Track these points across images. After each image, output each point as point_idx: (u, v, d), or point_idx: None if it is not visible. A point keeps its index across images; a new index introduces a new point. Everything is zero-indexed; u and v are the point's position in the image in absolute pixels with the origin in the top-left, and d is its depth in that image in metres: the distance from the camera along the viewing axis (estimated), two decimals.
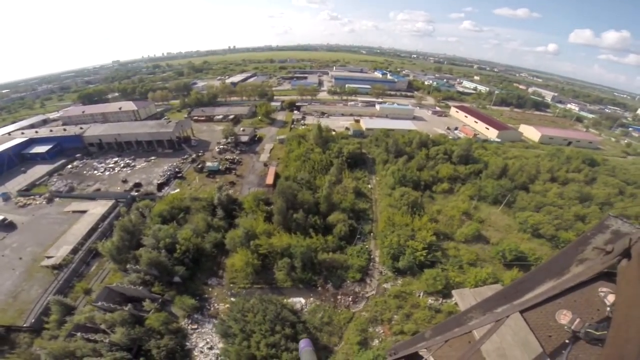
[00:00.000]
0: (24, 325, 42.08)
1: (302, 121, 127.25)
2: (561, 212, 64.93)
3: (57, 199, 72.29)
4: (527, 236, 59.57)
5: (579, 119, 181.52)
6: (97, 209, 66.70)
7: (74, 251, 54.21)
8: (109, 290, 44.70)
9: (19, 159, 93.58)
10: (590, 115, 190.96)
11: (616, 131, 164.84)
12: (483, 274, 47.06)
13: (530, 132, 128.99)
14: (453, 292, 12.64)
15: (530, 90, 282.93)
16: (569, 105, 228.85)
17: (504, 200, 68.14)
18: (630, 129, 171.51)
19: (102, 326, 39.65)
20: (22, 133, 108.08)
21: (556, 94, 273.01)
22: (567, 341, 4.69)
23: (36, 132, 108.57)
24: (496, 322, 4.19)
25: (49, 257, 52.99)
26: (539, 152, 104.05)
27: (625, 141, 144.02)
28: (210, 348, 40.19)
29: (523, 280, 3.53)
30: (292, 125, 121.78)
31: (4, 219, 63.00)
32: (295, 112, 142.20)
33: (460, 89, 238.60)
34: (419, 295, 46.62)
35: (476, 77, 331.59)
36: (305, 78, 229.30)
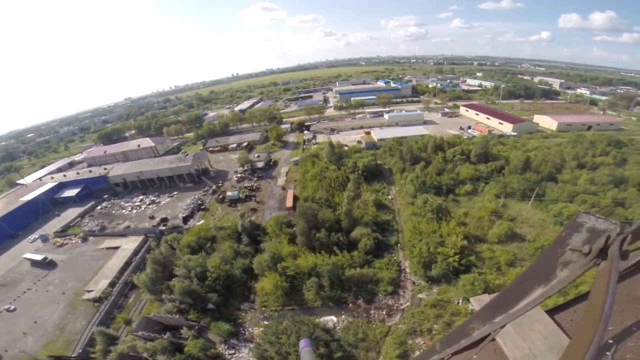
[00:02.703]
0: (72, 355, 44.65)
1: (313, 140, 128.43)
2: (597, 199, 62.04)
3: (91, 238, 76.58)
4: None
5: (593, 103, 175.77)
6: (129, 244, 70.10)
7: (112, 284, 57.44)
8: (148, 320, 46.01)
9: (52, 203, 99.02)
10: (604, 98, 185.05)
11: (635, 110, 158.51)
12: None
13: (546, 122, 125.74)
14: (471, 299, 11.71)
15: (536, 79, 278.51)
16: (579, 90, 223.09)
17: (532, 194, 65.76)
18: None
19: (145, 354, 40.51)
20: (52, 177, 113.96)
21: (563, 81, 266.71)
22: (610, 341, 4.17)
23: (64, 175, 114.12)
24: (494, 332, 3.95)
25: (89, 291, 56.45)
26: (559, 141, 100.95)
27: None
28: None
29: (513, 287, 3.33)
30: (304, 146, 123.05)
31: (45, 258, 67.88)
32: (306, 132, 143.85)
33: (466, 87, 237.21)
34: (458, 303, 44.82)
35: (479, 74, 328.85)
36: (311, 97, 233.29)
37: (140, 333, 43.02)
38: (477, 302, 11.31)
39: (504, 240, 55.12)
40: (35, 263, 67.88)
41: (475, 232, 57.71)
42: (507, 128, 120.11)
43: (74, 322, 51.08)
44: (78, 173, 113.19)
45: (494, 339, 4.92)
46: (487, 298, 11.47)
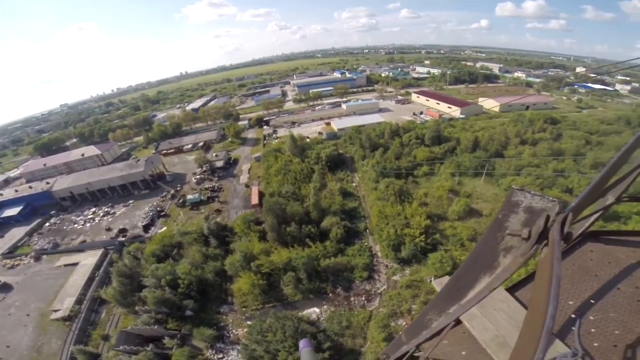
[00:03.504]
0: None
1: (274, 135, 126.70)
2: (540, 170, 68.74)
3: (44, 257, 70.54)
4: None
5: (529, 85, 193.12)
6: (88, 259, 65.64)
7: (78, 302, 54.23)
8: (126, 334, 44.19)
9: None
10: (538, 80, 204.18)
11: (564, 90, 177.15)
12: None
13: (490, 104, 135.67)
14: (432, 282, 12.05)
15: (478, 65, 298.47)
16: (516, 74, 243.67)
17: (483, 170, 71.19)
18: (575, 86, 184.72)
19: None
20: None
21: (502, 66, 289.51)
22: (573, 316, 4.13)
23: (0, 194, 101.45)
24: (450, 324, 3.71)
25: (55, 311, 53.08)
26: (502, 120, 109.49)
27: (575, 98, 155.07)
28: None
29: (460, 275, 3.10)
30: (265, 141, 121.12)
31: None
32: (265, 127, 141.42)
33: (416, 75, 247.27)
34: (430, 281, 47.40)
35: (427, 62, 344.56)
36: (268, 92, 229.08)
37: (122, 347, 41.45)
38: (439, 285, 11.82)
39: (463, 216, 59.13)
40: None
41: (436, 210, 61.22)
42: (455, 112, 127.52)
43: (48, 343, 48.40)
44: (17, 190, 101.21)
45: (460, 322, 4.91)
46: (447, 279, 12.08)
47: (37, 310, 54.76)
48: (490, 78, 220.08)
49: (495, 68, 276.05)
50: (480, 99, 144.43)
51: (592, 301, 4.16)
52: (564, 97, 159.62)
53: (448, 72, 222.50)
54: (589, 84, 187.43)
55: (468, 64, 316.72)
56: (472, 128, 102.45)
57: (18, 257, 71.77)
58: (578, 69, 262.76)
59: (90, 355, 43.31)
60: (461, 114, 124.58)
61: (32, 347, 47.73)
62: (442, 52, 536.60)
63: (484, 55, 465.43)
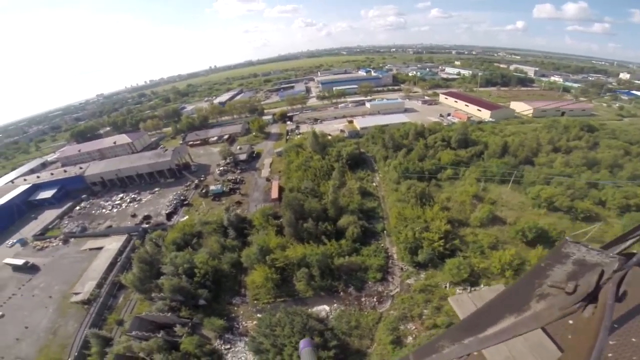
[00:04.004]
0: (69, 359, 44.05)
1: (296, 131, 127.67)
2: (572, 181, 65.01)
3: (72, 240, 73.83)
4: (543, 211, 59.27)
5: (566, 90, 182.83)
6: (112, 244, 68.11)
7: (99, 286, 55.96)
8: (140, 320, 45.35)
9: (27, 206, 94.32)
10: (576, 85, 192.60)
11: (605, 97, 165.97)
12: (507, 256, 46.43)
13: (522, 108, 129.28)
14: (449, 299, 11.60)
15: (512, 67, 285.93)
16: (552, 78, 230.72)
17: (511, 177, 68.14)
18: (617, 93, 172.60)
19: (141, 354, 40.03)
20: (25, 180, 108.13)
21: (537, 69, 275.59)
22: None
23: (38, 177, 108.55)
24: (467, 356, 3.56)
25: (76, 294, 55.18)
26: (535, 126, 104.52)
27: (617, 105, 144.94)
28: None
29: (483, 311, 3.00)
30: (288, 136, 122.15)
31: (27, 262, 65.70)
32: (288, 122, 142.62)
33: (445, 76, 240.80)
34: (446, 287, 46.16)
35: (457, 62, 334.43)
36: (292, 87, 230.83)
37: (134, 333, 42.45)
38: (456, 302, 11.22)
39: (486, 223, 56.98)
40: (16, 268, 65.19)
41: (458, 216, 59.32)
42: (485, 114, 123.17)
43: (65, 325, 49.97)
44: (52, 174, 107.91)
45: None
46: (465, 297, 11.40)
47: (60, 293, 57.03)
48: (524, 81, 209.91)
49: (530, 71, 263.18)
50: (513, 103, 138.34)
51: (616, 325, 3.90)
52: (604, 104, 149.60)
53: (479, 74, 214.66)
54: (633, 91, 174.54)
55: (501, 66, 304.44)
56: (502, 132, 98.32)
57: (48, 240, 75.46)
58: (622, 75, 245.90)
59: (103, 339, 44.34)
60: (491, 117, 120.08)
61: (49, 329, 49.59)
62: (473, 53, 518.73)
63: (518, 57, 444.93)
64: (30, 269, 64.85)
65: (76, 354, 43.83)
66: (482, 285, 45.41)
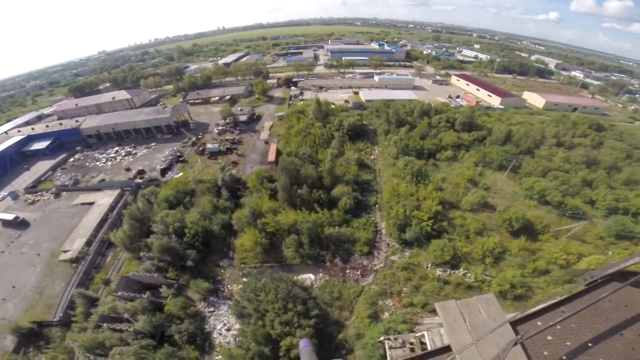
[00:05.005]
0: (54, 320, 43.56)
1: (300, 97, 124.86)
2: (568, 177, 64.53)
3: (64, 193, 72.81)
4: (534, 203, 59.29)
5: (585, 86, 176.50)
6: (104, 199, 67.20)
7: (88, 243, 55.22)
8: (127, 280, 45.52)
9: (20, 157, 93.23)
10: (596, 82, 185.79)
11: (623, 97, 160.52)
12: (490, 243, 47.12)
13: (535, 99, 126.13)
14: (436, 305, 11.26)
15: (533, 57, 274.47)
16: (573, 73, 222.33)
17: (509, 165, 67.41)
18: (637, 95, 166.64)
19: (125, 315, 40.57)
20: (19, 131, 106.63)
21: (560, 62, 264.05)
22: (564, 357, 4.60)
23: (32, 128, 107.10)
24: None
25: (65, 252, 54.12)
26: (544, 119, 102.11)
27: (633, 107, 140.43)
28: (228, 329, 41.04)
29: None
30: (290, 102, 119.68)
31: (17, 217, 64.08)
32: (293, 88, 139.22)
33: (461, 58, 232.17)
34: (427, 267, 46.84)
35: (476, 46, 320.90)
36: (301, 53, 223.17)
37: (120, 293, 42.56)
38: (442, 309, 10.91)
39: (476, 208, 57.14)
40: (6, 223, 63.21)
41: (451, 198, 59.41)
42: (495, 101, 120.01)
43: (52, 285, 49.21)
44: (47, 126, 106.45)
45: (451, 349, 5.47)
46: (453, 304, 11.04)
47: (48, 250, 55.63)
48: (542, 72, 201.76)
49: (551, 63, 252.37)
50: (526, 93, 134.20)
51: (590, 344, 4.18)
52: (620, 105, 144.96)
53: (497, 60, 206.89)
54: None
55: (522, 54, 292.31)
56: (509, 120, 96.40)
57: (39, 193, 73.74)
58: None
59: (88, 299, 44.07)
60: (501, 104, 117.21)
61: (36, 289, 48.68)
62: (495, 38, 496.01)
63: (542, 48, 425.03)
64: (20, 224, 63.03)
65: (61, 314, 43.53)
66: (461, 269, 46.14)
